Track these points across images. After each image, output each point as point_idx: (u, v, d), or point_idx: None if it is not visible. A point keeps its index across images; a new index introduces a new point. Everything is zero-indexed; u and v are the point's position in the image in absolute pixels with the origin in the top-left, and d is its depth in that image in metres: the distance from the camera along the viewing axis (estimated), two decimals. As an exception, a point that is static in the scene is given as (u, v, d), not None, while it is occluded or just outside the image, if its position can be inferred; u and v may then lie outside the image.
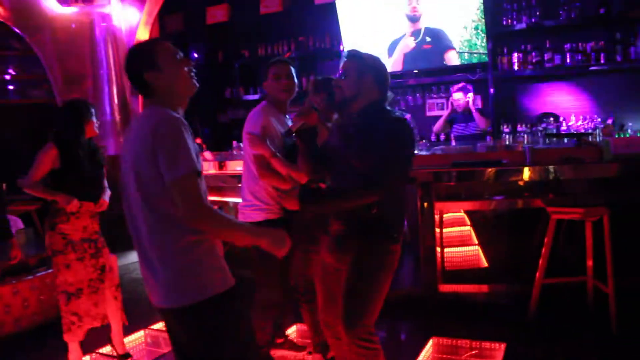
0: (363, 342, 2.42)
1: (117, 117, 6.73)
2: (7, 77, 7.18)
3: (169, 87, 1.95)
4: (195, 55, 7.85)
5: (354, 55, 2.58)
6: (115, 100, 6.71)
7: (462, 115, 5.67)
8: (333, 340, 2.73)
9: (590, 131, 5.04)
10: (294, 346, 3.55)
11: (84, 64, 6.59)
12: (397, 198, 2.56)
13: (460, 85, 5.74)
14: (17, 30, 6.45)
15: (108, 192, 3.53)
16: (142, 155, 1.84)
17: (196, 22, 7.72)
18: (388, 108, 2.57)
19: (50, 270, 4.40)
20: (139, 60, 1.95)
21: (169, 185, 1.80)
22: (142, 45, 2.03)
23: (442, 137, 6.21)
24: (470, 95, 5.62)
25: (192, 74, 2.01)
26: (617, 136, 4.24)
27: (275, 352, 3.50)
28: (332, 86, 2.98)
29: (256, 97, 7.44)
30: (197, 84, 2.02)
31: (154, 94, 1.96)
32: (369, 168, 2.40)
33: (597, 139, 4.56)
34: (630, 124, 5.66)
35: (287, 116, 3.21)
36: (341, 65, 2.60)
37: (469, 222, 5.16)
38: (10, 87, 7.38)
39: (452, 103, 5.72)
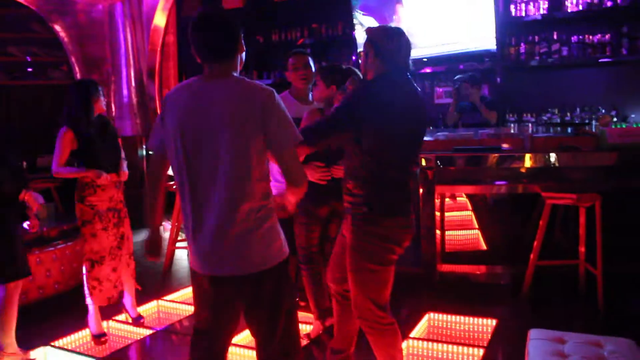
0: (370, 323, 2.56)
1: (134, 99, 6.96)
2: (29, 58, 7.41)
3: (240, 60, 2.13)
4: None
5: (374, 31, 2.62)
6: (133, 83, 6.93)
7: (470, 104, 5.80)
8: (340, 298, 2.84)
9: (587, 121, 5.18)
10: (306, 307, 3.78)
11: (103, 47, 6.80)
12: (387, 183, 2.49)
13: (468, 75, 5.86)
14: (39, 13, 6.67)
15: (126, 162, 3.80)
16: (249, 120, 1.97)
17: (214, 6, 7.87)
18: (387, 80, 2.49)
19: (69, 243, 4.70)
20: (238, 27, 2.07)
21: (279, 151, 2.03)
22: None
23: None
24: (478, 85, 5.73)
25: None
26: (613, 126, 4.37)
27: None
28: (338, 77, 3.19)
29: (269, 82, 7.62)
30: None
31: (232, 62, 2.08)
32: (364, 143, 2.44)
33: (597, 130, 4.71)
34: (633, 115, 5.78)
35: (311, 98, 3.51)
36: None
37: (470, 207, 5.36)
38: (30, 69, 7.61)
39: (457, 92, 5.84)
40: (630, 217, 4.32)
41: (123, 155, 3.78)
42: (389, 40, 2.51)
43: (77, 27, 6.73)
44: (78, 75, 6.79)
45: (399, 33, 2.54)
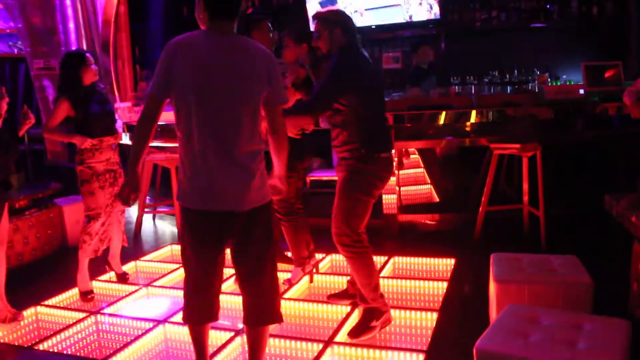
0: (345, 247, 2.98)
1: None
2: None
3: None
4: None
5: (321, 17, 3.08)
6: (86, 54, 6.89)
7: (426, 71, 6.19)
8: None
9: (526, 78, 5.68)
10: (286, 259, 4.13)
11: (54, 18, 6.72)
12: (366, 124, 2.94)
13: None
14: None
15: (120, 123, 3.98)
16: (262, 75, 2.24)
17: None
18: (353, 48, 2.99)
19: (43, 210, 4.80)
20: None
21: (277, 105, 2.35)
22: None
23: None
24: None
25: None
26: (549, 84, 4.87)
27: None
28: (309, 36, 3.50)
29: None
30: None
31: (234, 22, 2.28)
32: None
33: (535, 88, 5.21)
34: (564, 76, 6.34)
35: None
36: (313, 27, 3.08)
37: (422, 165, 5.81)
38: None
39: (417, 55, 6.21)
40: (566, 165, 4.85)
41: (117, 117, 3.97)
42: (349, 19, 3.09)
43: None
44: (25, 48, 6.70)
45: (348, 13, 3.17)
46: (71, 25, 6.74)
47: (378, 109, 3.06)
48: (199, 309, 2.47)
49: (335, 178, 3.11)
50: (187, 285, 2.47)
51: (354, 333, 3.03)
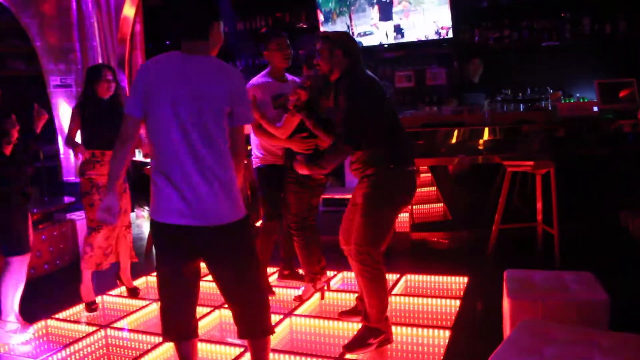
0: (364, 267, 2.95)
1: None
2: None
3: (216, 42, 2.38)
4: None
5: (323, 36, 3.13)
6: (102, 72, 6.99)
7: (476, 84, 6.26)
8: (348, 256, 3.20)
9: (539, 96, 5.67)
10: (297, 276, 4.15)
11: (70, 37, 6.85)
12: (392, 140, 2.98)
13: None
14: (2, 2, 6.64)
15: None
16: (234, 95, 2.28)
17: (175, -3, 8.00)
18: (358, 71, 3.01)
19: (56, 225, 4.83)
20: (212, 9, 2.38)
21: (243, 124, 2.36)
22: None
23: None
24: None
25: None
26: (563, 101, 4.85)
27: (283, 281, 4.21)
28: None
29: (234, 70, 7.79)
30: None
31: (208, 42, 2.33)
32: (339, 125, 2.96)
33: (548, 105, 5.20)
34: (577, 94, 6.32)
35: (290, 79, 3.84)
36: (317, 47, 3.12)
37: (435, 182, 5.79)
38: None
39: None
40: (581, 182, 4.80)
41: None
42: (352, 41, 3.14)
43: (41, 15, 6.74)
44: (43, 65, 6.81)
45: (352, 35, 3.11)
46: (88, 43, 6.85)
47: (398, 123, 3.07)
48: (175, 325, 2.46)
49: (347, 196, 3.10)
50: (162, 300, 2.48)
51: (350, 347, 3.01)
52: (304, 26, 7.56)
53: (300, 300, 3.77)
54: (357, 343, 3.01)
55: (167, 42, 7.95)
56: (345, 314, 3.50)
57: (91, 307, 3.89)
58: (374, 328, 3.02)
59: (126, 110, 2.33)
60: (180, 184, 2.25)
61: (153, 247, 5.35)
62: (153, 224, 2.37)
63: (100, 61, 6.95)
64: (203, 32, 2.32)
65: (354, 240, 2.96)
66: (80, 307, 3.92)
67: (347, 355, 2.98)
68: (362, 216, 2.95)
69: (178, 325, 2.46)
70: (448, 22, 6.66)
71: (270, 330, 2.51)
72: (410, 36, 6.92)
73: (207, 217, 2.27)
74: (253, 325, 2.46)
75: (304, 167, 3.12)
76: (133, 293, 4.12)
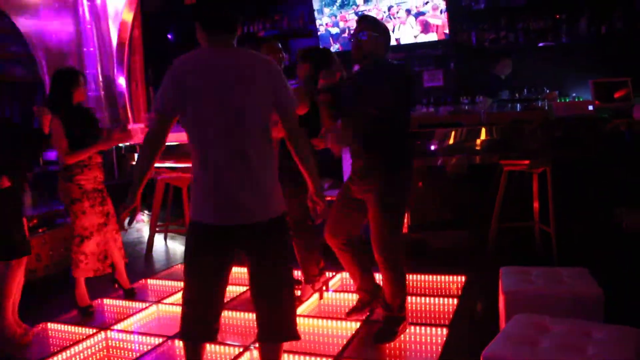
0: (395, 259, 3.05)
1: (102, 93, 7.08)
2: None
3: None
4: (169, 37, 8.17)
5: (372, 20, 3.14)
6: (100, 78, 7.05)
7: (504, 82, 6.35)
8: (337, 250, 3.31)
9: (536, 96, 5.70)
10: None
11: (68, 43, 6.89)
12: (400, 134, 3.07)
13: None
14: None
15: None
16: (277, 88, 2.26)
17: (174, 2, 8.02)
18: (389, 61, 3.10)
19: (56, 228, 4.86)
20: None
21: (284, 109, 2.31)
22: None
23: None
24: None
25: None
26: (558, 101, 4.88)
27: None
28: (315, 56, 3.55)
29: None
30: None
31: (235, 36, 2.31)
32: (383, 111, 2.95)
33: (545, 105, 5.22)
34: (574, 94, 6.34)
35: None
36: (360, 27, 3.07)
37: (432, 183, 5.79)
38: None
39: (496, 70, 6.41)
40: (577, 181, 4.83)
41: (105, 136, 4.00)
42: (390, 34, 3.17)
43: (39, 22, 6.77)
44: (42, 71, 6.84)
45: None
46: (85, 49, 6.89)
47: (407, 121, 3.15)
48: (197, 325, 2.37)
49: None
50: (187, 298, 2.38)
51: (379, 339, 3.10)
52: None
53: (299, 301, 3.78)
54: (385, 334, 3.11)
55: (167, 43, 7.97)
56: (353, 312, 3.51)
57: (87, 311, 3.91)
58: (398, 317, 3.13)
59: (157, 108, 2.24)
60: (222, 183, 2.20)
61: (152, 251, 5.39)
62: (194, 224, 2.29)
63: (99, 66, 7.00)
64: (231, 23, 2.28)
65: (377, 237, 3.01)
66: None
67: (345, 354, 2.99)
68: (379, 211, 3.00)
69: (200, 325, 2.36)
70: (445, 24, 6.70)
71: (296, 335, 2.40)
72: (406, 39, 6.96)
73: (247, 216, 2.23)
74: (281, 329, 2.36)
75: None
76: (130, 294, 4.14)
